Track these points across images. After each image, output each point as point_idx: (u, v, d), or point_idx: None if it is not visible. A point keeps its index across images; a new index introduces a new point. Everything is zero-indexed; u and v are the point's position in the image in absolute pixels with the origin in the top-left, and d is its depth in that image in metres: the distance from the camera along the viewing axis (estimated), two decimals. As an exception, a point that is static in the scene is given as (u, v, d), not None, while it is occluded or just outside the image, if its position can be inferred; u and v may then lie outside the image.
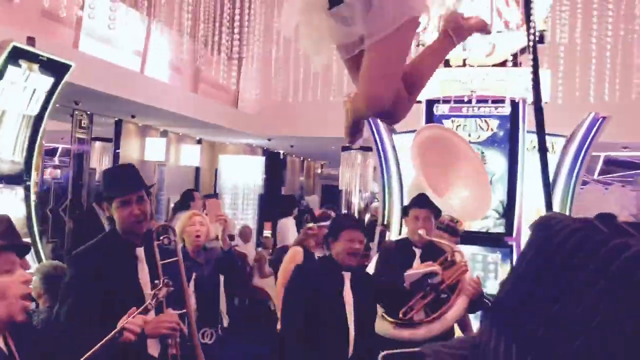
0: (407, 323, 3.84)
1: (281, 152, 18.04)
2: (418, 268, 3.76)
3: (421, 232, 3.81)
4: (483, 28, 2.30)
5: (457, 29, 2.21)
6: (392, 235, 6.96)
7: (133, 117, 10.73)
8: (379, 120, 6.92)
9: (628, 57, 7.77)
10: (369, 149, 14.62)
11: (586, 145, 6.46)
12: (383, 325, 3.93)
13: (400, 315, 3.82)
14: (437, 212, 3.86)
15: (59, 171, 13.49)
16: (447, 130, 3.93)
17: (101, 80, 7.84)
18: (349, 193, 14.24)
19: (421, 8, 1.99)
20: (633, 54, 7.74)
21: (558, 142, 6.58)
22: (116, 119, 10.95)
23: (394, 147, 6.91)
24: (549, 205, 5.23)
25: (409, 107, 2.27)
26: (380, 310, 3.91)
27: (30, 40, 5.59)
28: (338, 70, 10.26)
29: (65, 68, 5.94)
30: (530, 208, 6.09)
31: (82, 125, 10.00)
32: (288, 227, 10.46)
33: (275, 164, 17.66)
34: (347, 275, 3.47)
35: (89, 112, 9.96)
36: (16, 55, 5.32)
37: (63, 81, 5.96)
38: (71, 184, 9.81)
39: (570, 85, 7.63)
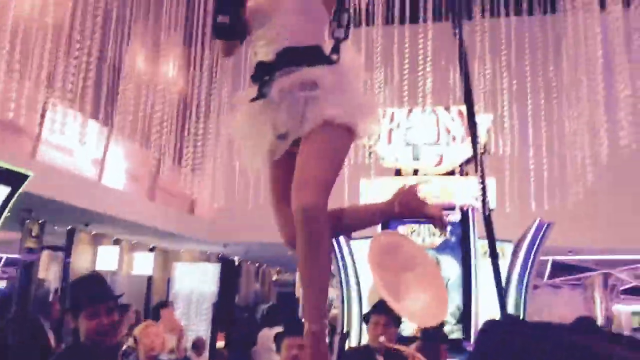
0: None
1: (236, 258, 17.87)
2: (379, 376, 3.75)
3: (382, 339, 3.84)
4: (437, 221, 2.13)
5: (407, 205, 2.06)
6: (352, 342, 6.91)
7: (87, 225, 10.58)
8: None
9: (562, 167, 8.36)
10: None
11: (534, 250, 6.76)
12: None
13: None
14: (397, 317, 3.92)
15: (3, 282, 12.93)
16: (401, 236, 4.08)
17: (58, 189, 7.82)
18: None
19: (343, 116, 1.89)
20: (567, 165, 8.34)
21: (507, 247, 6.86)
22: (69, 227, 10.76)
23: (351, 254, 7.04)
24: (503, 308, 5.36)
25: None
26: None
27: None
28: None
29: (22, 178, 5.94)
30: (487, 312, 6.21)
31: (33, 234, 9.78)
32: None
33: (229, 272, 17.41)
34: None
35: (40, 221, 9.78)
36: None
37: (19, 191, 5.94)
38: (17, 295, 9.41)
39: (514, 192, 8.08)
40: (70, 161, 8.68)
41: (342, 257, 7.15)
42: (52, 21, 7.19)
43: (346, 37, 1.93)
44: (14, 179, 5.84)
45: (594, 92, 7.66)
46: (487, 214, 4.39)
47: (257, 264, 20.38)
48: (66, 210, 8.60)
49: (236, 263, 18.11)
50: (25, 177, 5.94)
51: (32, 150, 7.85)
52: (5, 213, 5.90)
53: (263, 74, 1.90)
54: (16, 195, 5.90)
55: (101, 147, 9.67)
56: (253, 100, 1.90)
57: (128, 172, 10.80)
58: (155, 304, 8.55)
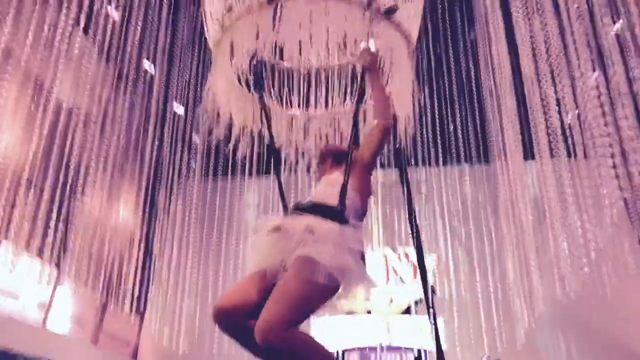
0: None
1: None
2: None
3: None
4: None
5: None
6: None
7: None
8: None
9: (507, 306, 8.82)
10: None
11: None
12: None
13: None
14: None
15: None
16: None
17: (2, 335, 7.54)
18: None
19: (323, 261, 2.09)
20: (510, 306, 8.80)
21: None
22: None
23: None
24: None
25: None
26: None
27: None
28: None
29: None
30: None
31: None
32: None
33: None
34: None
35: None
36: None
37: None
38: None
39: (463, 332, 8.39)
40: (16, 304, 8.44)
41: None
42: (9, 166, 7.38)
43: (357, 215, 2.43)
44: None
45: (529, 245, 8.37)
46: (438, 344, 4.68)
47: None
48: (6, 357, 8.20)
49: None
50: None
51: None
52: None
53: (294, 210, 2.39)
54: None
55: (48, 290, 9.47)
56: (273, 229, 2.29)
57: (74, 315, 10.49)
58: None
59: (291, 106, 3.54)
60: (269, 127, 3.07)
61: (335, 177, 2.46)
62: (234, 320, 2.18)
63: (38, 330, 9.04)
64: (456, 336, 8.21)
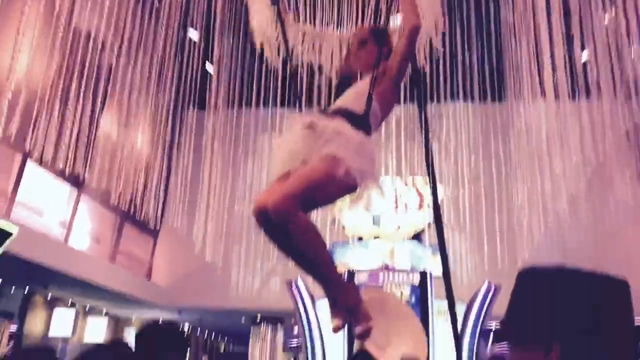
0: None
1: (187, 327, 17.68)
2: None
3: (360, 381, 4.28)
4: None
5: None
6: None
7: (45, 287, 10.53)
8: (303, 289, 7.51)
9: (511, 243, 9.23)
10: (277, 320, 14.93)
11: (484, 312, 7.36)
12: None
13: None
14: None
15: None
16: (384, 292, 4.59)
17: (25, 247, 7.94)
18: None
19: (345, 160, 2.23)
20: (515, 230, 9.21)
21: (460, 308, 7.44)
22: (26, 289, 10.68)
23: (316, 314, 7.43)
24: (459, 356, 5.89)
25: None
26: None
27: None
28: (250, 241, 10.97)
29: (6, 235, 6.16)
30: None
31: (-11, 296, 9.71)
32: None
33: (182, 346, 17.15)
34: None
35: (-1, 282, 9.74)
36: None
37: (3, 247, 6.14)
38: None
39: (467, 259, 8.82)
40: (40, 221, 8.85)
41: (307, 317, 7.53)
42: (27, 84, 7.58)
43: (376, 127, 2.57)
44: (-1, 236, 6.05)
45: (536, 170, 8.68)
46: (447, 275, 4.99)
47: (206, 336, 20.12)
48: (31, 269, 8.67)
49: (186, 333, 17.90)
50: (9, 234, 6.16)
51: (6, 210, 8.02)
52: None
53: (321, 112, 2.51)
54: (0, 251, 6.08)
55: (70, 209, 9.87)
56: (305, 127, 2.40)
57: (92, 234, 10.95)
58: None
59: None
60: (285, 38, 3.22)
61: (363, 86, 2.53)
62: (269, 220, 2.30)
63: (60, 245, 9.50)
64: (462, 262, 8.62)
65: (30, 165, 8.50)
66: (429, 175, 5.63)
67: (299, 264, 2.49)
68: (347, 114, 2.44)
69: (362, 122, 2.44)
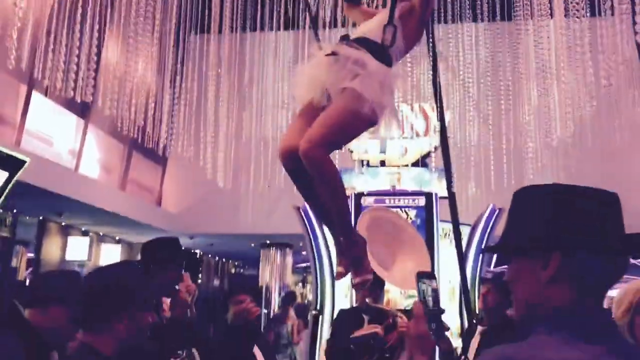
0: (358, 381, 4.38)
1: (199, 252, 18.21)
2: (364, 330, 4.37)
3: (368, 300, 4.47)
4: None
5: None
6: (325, 322, 7.53)
7: (59, 215, 10.79)
8: (311, 214, 7.67)
9: (517, 167, 9.31)
10: (286, 244, 15.33)
11: (487, 233, 7.53)
12: (338, 384, 4.45)
13: (352, 375, 4.37)
14: (380, 281, 4.56)
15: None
16: (387, 210, 4.70)
17: (39, 176, 8.09)
18: (269, 290, 14.61)
19: (368, 95, 2.25)
20: (522, 154, 9.28)
21: (464, 230, 7.62)
22: (40, 217, 10.95)
23: (324, 236, 7.63)
24: (463, 279, 6.11)
25: None
26: (334, 371, 4.44)
27: (-10, 137, 5.95)
28: (258, 166, 11.10)
29: (20, 164, 6.27)
30: (445, 286, 7.01)
31: (7, 224, 9.97)
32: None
33: (191, 264, 17.72)
34: None
35: (14, 211, 9.97)
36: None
37: (16, 176, 6.27)
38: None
39: (472, 181, 8.92)
40: (50, 150, 8.96)
41: (316, 240, 7.73)
42: (32, 15, 7.47)
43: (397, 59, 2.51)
44: (12, 165, 6.16)
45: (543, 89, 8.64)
46: (451, 194, 5.09)
47: (216, 257, 20.71)
48: (44, 197, 8.86)
49: (198, 256, 18.44)
50: (23, 162, 6.27)
51: (16, 139, 8.11)
52: (2, 198, 6.21)
53: (343, 39, 2.46)
54: (13, 181, 6.21)
55: (78, 138, 9.96)
56: (328, 54, 2.39)
57: (102, 163, 11.09)
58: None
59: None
60: None
61: (387, 16, 2.44)
62: (296, 163, 2.35)
63: (71, 173, 9.65)
64: (467, 185, 8.74)
65: (36, 95, 8.50)
66: (435, 96, 5.63)
67: (315, 207, 2.59)
68: (369, 45, 2.39)
69: (384, 53, 2.40)
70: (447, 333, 4.18)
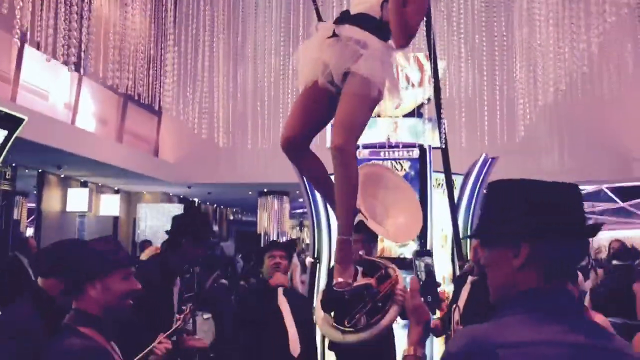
0: (353, 330, 4.63)
1: (197, 200, 18.43)
2: (357, 282, 4.59)
3: (361, 252, 4.65)
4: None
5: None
6: (322, 267, 7.77)
7: (59, 167, 10.90)
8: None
9: (511, 106, 9.41)
10: (283, 192, 15.54)
11: (480, 182, 7.68)
12: (334, 333, 4.70)
13: (346, 323, 4.61)
14: (374, 235, 4.75)
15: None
16: (381, 166, 4.81)
17: (36, 131, 8.14)
18: (268, 236, 14.91)
19: (372, 76, 2.27)
20: (515, 105, 9.35)
21: (458, 179, 7.76)
22: (39, 170, 11.06)
23: (320, 188, 7.79)
24: (455, 229, 6.31)
25: None
26: (330, 320, 4.68)
27: (-13, 96, 5.98)
28: (253, 118, 11.12)
29: (18, 122, 6.33)
30: (437, 234, 7.22)
31: (7, 177, 10.09)
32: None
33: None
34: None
35: (13, 165, 10.07)
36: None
37: (15, 134, 6.33)
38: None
39: (465, 132, 9.02)
40: (46, 105, 8.96)
41: (312, 193, 7.87)
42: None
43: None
44: (11, 123, 6.21)
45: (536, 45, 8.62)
46: (444, 146, 5.20)
47: (215, 205, 20.97)
48: (42, 151, 8.94)
49: (196, 204, 18.69)
50: (21, 120, 6.33)
51: (12, 95, 8.11)
52: (3, 155, 6.30)
53: (343, 17, 2.45)
54: (13, 138, 6.28)
55: (73, 91, 9.93)
56: (330, 37, 2.39)
57: (97, 115, 11.10)
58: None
59: None
60: None
61: None
62: (299, 150, 2.47)
63: (68, 127, 9.69)
64: (460, 136, 8.84)
65: (29, 49, 8.43)
66: (429, 47, 5.64)
67: (323, 195, 2.74)
68: (369, 21, 2.38)
69: (383, 29, 2.39)
70: (439, 282, 4.41)
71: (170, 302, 3.19)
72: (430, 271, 1.66)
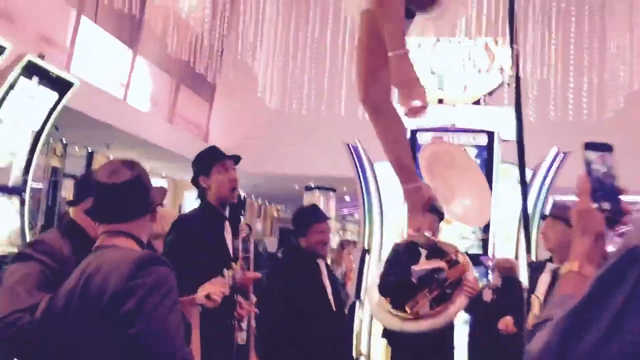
0: (413, 318, 4.17)
1: (243, 193, 18.26)
2: (426, 264, 4.13)
3: (427, 233, 4.20)
4: None
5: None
6: (372, 260, 7.34)
7: (107, 147, 10.81)
8: (361, 152, 7.38)
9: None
10: (330, 189, 15.19)
11: (549, 177, 7.10)
12: (391, 320, 4.26)
13: (407, 309, 4.15)
14: (441, 216, 4.28)
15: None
16: (451, 145, 4.37)
17: (87, 104, 8.00)
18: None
19: None
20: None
21: (513, 170, 7.20)
22: (89, 149, 10.99)
23: (374, 176, 7.35)
24: (526, 228, 5.75)
25: None
26: (387, 306, 4.24)
27: (41, 57, 5.81)
28: (308, 113, 10.82)
29: (69, 85, 6.15)
30: (504, 231, 6.67)
31: (57, 153, 10.04)
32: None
33: (235, 206, 17.80)
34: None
35: (63, 141, 10.00)
36: (28, 69, 5.52)
37: (65, 98, 6.16)
38: (43, 212, 9.76)
39: (539, 122, 8.45)
40: (98, 79, 8.85)
41: (365, 178, 7.48)
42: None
43: None
44: (62, 86, 6.04)
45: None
46: (521, 145, 4.68)
47: (259, 200, 20.81)
48: (92, 127, 8.81)
49: (242, 197, 18.52)
50: (71, 84, 6.15)
51: (66, 65, 8.00)
52: (52, 120, 6.13)
53: None
54: (62, 103, 6.10)
55: (126, 69, 9.83)
56: None
57: (149, 95, 10.99)
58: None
59: None
60: None
61: None
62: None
63: (120, 103, 9.57)
64: (531, 128, 8.28)
65: (85, 21, 8.34)
66: (511, 36, 5.17)
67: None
68: None
69: None
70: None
71: (224, 243, 3.08)
72: (610, 173, 1.12)
